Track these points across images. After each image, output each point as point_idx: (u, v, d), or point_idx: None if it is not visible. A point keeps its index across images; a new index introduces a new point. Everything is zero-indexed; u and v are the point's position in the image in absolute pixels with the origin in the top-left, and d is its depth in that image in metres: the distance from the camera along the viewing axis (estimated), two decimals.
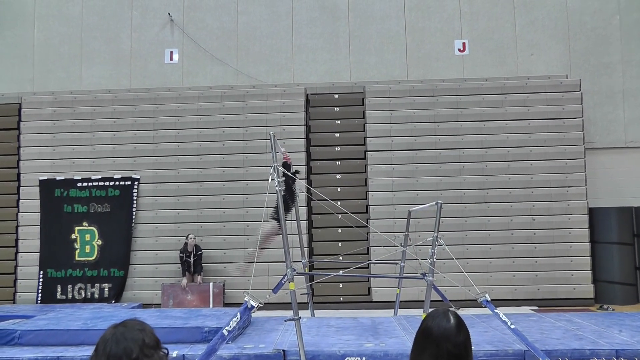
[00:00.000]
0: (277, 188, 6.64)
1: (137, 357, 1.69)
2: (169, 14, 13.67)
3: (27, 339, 7.42)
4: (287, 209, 7.65)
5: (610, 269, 12.08)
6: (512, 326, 6.29)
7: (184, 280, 12.11)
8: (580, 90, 12.59)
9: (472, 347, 2.07)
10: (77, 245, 12.88)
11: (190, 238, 12.20)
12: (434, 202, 7.70)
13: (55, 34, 13.98)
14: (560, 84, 12.68)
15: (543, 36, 13.29)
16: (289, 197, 8.03)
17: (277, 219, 7.73)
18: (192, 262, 12.13)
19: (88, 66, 13.83)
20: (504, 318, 6.38)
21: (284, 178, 7.43)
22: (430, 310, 2.18)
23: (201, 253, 12.28)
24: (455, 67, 13.32)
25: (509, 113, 12.58)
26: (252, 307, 5.97)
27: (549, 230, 12.23)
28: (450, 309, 2.12)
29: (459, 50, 13.39)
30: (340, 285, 12.21)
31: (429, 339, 2.01)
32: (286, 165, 8.36)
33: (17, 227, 13.04)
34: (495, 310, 6.52)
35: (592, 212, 12.35)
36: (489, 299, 6.70)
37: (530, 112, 12.56)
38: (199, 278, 12.13)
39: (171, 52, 13.69)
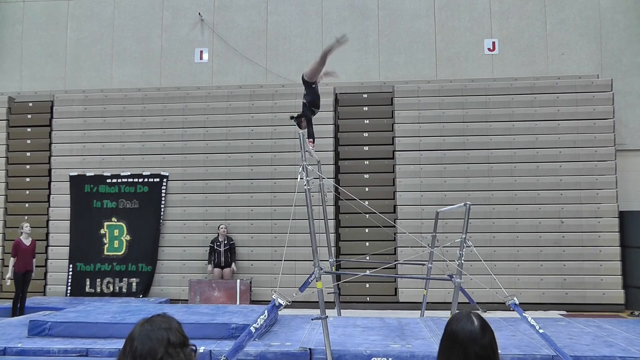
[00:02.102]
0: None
1: (161, 358, 1.71)
2: (199, 13, 13.77)
3: (57, 330, 7.57)
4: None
5: None
6: (541, 330, 6.22)
7: (209, 267, 12.36)
8: (611, 90, 12.38)
9: (500, 351, 2.07)
10: (106, 240, 13.08)
11: (222, 228, 12.39)
12: (463, 203, 7.67)
13: (88, 33, 14.20)
14: (591, 84, 12.48)
15: (574, 35, 13.09)
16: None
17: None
18: (222, 251, 12.27)
19: (119, 65, 14.02)
20: (532, 322, 6.31)
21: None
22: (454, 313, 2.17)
23: (233, 243, 12.45)
24: (485, 66, 13.20)
25: (539, 113, 12.43)
26: (280, 304, 5.99)
27: (578, 234, 12.05)
28: (473, 311, 2.11)
29: (489, 49, 13.26)
30: (367, 285, 12.20)
31: (455, 342, 2.00)
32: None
33: (47, 221, 13.31)
34: (524, 314, 6.46)
35: (622, 215, 12.12)
36: (517, 302, 6.64)
37: (560, 113, 12.39)
38: (232, 266, 12.35)
39: (201, 52, 13.80)
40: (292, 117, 8.34)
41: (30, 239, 11.16)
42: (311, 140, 8.12)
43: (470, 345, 1.96)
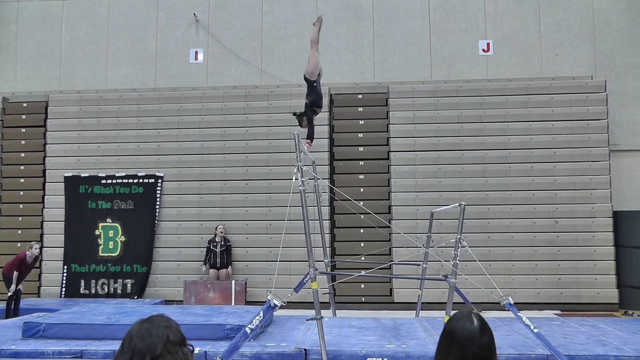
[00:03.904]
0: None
1: (160, 354, 1.72)
2: (194, 14, 13.76)
3: (51, 332, 7.55)
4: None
5: (635, 273, 11.87)
6: (535, 330, 6.24)
7: (203, 268, 12.40)
8: (605, 91, 12.43)
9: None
10: (100, 241, 13.04)
11: (220, 229, 12.41)
12: (457, 204, 7.68)
13: (82, 34, 14.16)
14: (585, 85, 12.53)
15: (568, 36, 13.14)
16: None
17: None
18: (218, 252, 12.26)
19: (114, 65, 13.99)
20: (527, 322, 6.33)
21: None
22: (454, 312, 2.17)
23: (229, 245, 12.43)
24: (480, 67, 13.23)
25: (533, 114, 12.47)
26: (275, 305, 5.99)
27: (573, 234, 12.10)
28: (474, 311, 2.11)
29: (483, 50, 13.30)
30: (362, 286, 12.21)
31: (453, 341, 2.00)
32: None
33: (42, 222, 13.27)
34: (519, 314, 6.48)
35: (616, 215, 12.18)
36: (512, 302, 6.66)
37: (555, 114, 12.44)
38: (229, 269, 12.34)
39: (196, 52, 13.78)
40: (294, 114, 8.36)
41: (34, 257, 11.16)
42: (309, 140, 8.14)
43: (468, 345, 1.96)
